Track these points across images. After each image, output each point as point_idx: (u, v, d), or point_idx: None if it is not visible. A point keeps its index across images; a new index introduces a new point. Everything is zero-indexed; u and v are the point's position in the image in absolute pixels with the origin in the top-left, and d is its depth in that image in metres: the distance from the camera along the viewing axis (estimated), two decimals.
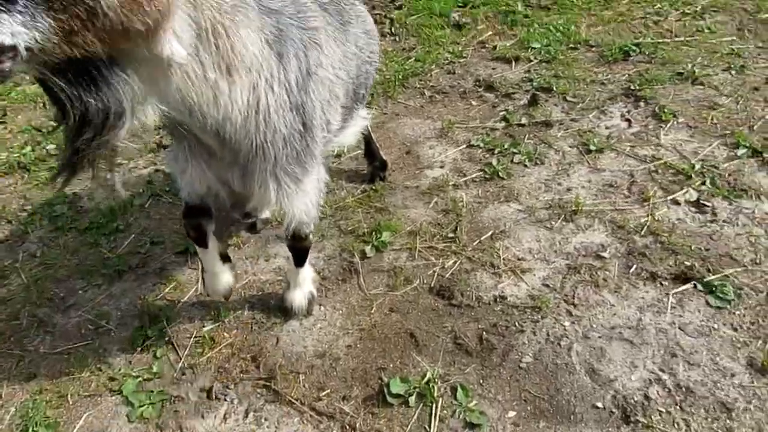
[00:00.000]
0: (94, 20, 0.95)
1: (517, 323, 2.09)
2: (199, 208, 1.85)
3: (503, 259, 2.37)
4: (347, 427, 1.80)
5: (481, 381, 1.91)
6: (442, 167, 2.97)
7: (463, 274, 2.31)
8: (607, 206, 2.60)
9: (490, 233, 2.50)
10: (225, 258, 2.09)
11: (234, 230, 2.61)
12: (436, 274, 2.32)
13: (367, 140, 2.82)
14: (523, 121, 3.28)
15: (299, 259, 2.07)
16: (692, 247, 2.33)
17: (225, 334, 2.14)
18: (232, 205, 2.09)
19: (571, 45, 4.07)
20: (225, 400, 1.91)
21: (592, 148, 2.97)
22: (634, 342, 1.98)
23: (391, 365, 1.98)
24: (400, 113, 3.50)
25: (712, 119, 3.11)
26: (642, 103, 3.32)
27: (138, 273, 2.43)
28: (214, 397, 1.91)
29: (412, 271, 2.35)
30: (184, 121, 1.32)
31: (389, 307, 2.20)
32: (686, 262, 2.25)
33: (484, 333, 2.06)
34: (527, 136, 3.15)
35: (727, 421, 1.72)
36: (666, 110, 3.18)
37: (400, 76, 3.82)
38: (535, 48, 4.03)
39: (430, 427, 1.78)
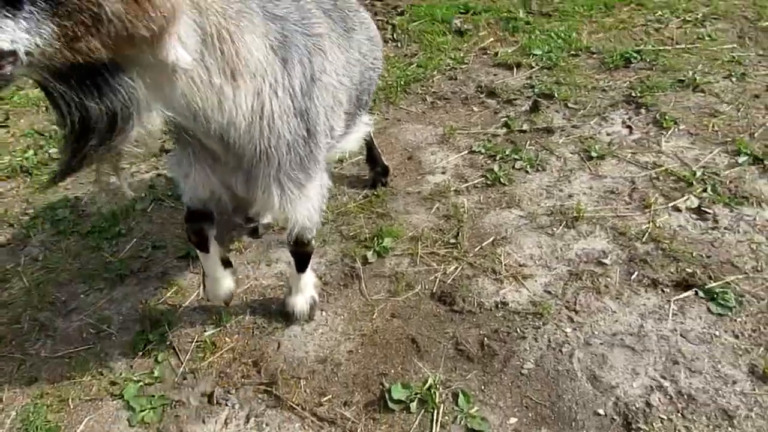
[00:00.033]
0: (98, 26, 0.95)
1: (518, 329, 2.09)
2: (201, 213, 1.86)
3: (505, 265, 2.37)
4: None
5: (483, 387, 1.91)
6: (443, 173, 2.98)
7: (464, 279, 2.31)
8: (608, 213, 2.60)
9: (491, 239, 2.50)
10: (226, 263, 2.10)
11: (236, 235, 2.62)
12: (437, 279, 2.32)
13: (369, 146, 2.83)
14: (525, 127, 3.29)
15: (301, 264, 2.07)
16: (693, 254, 2.33)
17: (226, 338, 2.14)
18: (234, 210, 2.10)
19: (573, 52, 4.08)
20: (226, 405, 1.90)
21: (594, 154, 2.97)
22: (636, 349, 1.98)
23: (393, 371, 1.98)
24: (401, 119, 3.51)
25: (713, 126, 3.11)
26: (643, 110, 3.33)
27: (140, 277, 2.43)
28: (215, 402, 1.91)
29: (413, 276, 2.35)
30: (189, 126, 1.33)
31: (391, 313, 2.20)
32: (688, 269, 2.25)
33: (486, 339, 2.06)
34: (529, 142, 3.16)
35: (729, 428, 1.72)
36: (667, 117, 3.19)
37: (402, 82, 3.83)
38: (536, 54, 4.05)
39: None
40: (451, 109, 3.58)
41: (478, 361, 2.00)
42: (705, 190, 2.65)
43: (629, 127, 3.22)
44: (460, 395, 1.87)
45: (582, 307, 2.16)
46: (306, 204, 1.69)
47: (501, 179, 2.86)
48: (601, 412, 1.80)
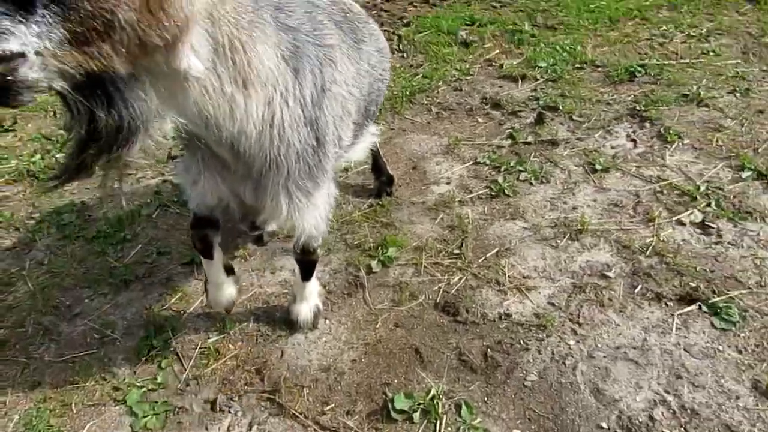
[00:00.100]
0: (111, 33, 0.95)
1: (522, 341, 2.09)
2: (207, 220, 1.87)
3: (508, 276, 2.37)
4: None
5: (486, 398, 1.91)
6: (448, 183, 2.99)
7: (468, 290, 2.32)
8: (612, 226, 2.61)
9: (495, 250, 2.51)
10: (229, 270, 2.10)
11: (240, 242, 2.62)
12: (441, 290, 2.33)
13: (375, 155, 2.84)
14: (529, 139, 3.30)
15: (306, 273, 2.08)
16: (697, 269, 2.33)
17: (230, 345, 2.14)
18: (241, 217, 2.11)
19: (578, 65, 4.11)
20: (229, 412, 1.90)
21: (598, 167, 2.99)
22: (639, 362, 1.98)
23: (396, 381, 1.98)
24: (407, 129, 3.52)
25: (717, 141, 3.13)
26: (647, 124, 3.35)
27: (144, 283, 2.44)
28: (218, 409, 1.91)
29: (417, 286, 2.36)
30: (200, 133, 1.34)
31: (394, 323, 2.20)
32: (691, 283, 2.26)
33: (489, 350, 2.06)
34: (533, 154, 3.17)
35: None
36: (671, 131, 3.20)
37: (407, 92, 3.85)
38: (541, 67, 4.07)
39: None
40: (456, 120, 3.60)
41: (481, 372, 2.00)
42: (709, 205, 2.66)
43: (633, 140, 3.23)
44: (463, 406, 1.87)
45: (585, 319, 2.16)
46: (313, 212, 1.69)
47: (505, 191, 2.87)
48: (604, 425, 1.79)
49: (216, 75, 1.22)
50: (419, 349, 2.08)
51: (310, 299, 2.15)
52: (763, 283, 2.25)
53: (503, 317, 2.19)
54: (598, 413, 1.83)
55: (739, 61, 4.00)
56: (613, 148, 3.18)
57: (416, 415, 1.85)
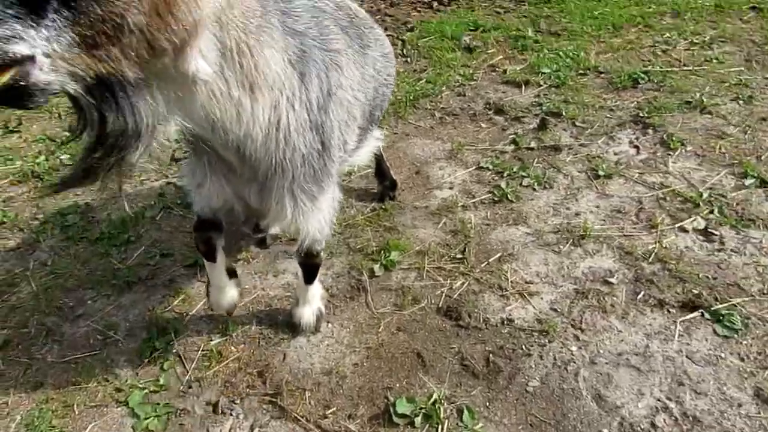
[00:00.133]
0: (120, 36, 0.96)
1: (524, 346, 2.09)
2: (211, 222, 1.87)
3: (511, 281, 2.37)
4: None
5: (488, 403, 1.91)
6: (451, 188, 3.00)
7: (470, 295, 2.32)
8: (615, 232, 2.61)
9: (498, 255, 2.51)
10: (232, 273, 2.11)
11: (243, 245, 2.63)
12: (443, 294, 2.33)
13: (378, 160, 2.85)
14: (533, 144, 3.31)
15: (309, 276, 2.08)
16: (700, 276, 2.33)
17: (232, 348, 2.14)
18: (245, 220, 2.11)
19: (581, 71, 4.12)
20: (231, 414, 1.91)
21: (601, 173, 2.99)
22: (641, 369, 1.98)
23: (398, 385, 1.99)
24: (410, 134, 3.53)
25: (720, 148, 3.13)
26: (650, 131, 3.35)
27: (147, 285, 2.44)
28: (220, 411, 1.91)
29: (420, 291, 2.36)
30: (207, 137, 1.35)
31: (396, 327, 2.21)
32: (694, 290, 2.26)
33: (491, 355, 2.06)
34: (536, 159, 3.18)
35: None
36: (674, 138, 3.21)
37: (411, 97, 3.86)
38: (544, 73, 4.08)
39: None
40: (459, 125, 3.61)
41: (483, 377, 2.00)
42: (712, 212, 2.66)
43: (636, 147, 3.24)
44: (465, 411, 1.87)
45: (588, 325, 2.16)
46: (318, 216, 1.70)
47: (508, 196, 2.87)
48: None
49: (223, 79, 1.23)
50: (421, 354, 2.09)
51: (313, 302, 2.15)
52: (765, 291, 2.25)
53: (505, 322, 2.19)
54: (599, 420, 1.83)
55: (742, 68, 4.00)
56: (616, 154, 3.19)
57: (418, 420, 1.85)
